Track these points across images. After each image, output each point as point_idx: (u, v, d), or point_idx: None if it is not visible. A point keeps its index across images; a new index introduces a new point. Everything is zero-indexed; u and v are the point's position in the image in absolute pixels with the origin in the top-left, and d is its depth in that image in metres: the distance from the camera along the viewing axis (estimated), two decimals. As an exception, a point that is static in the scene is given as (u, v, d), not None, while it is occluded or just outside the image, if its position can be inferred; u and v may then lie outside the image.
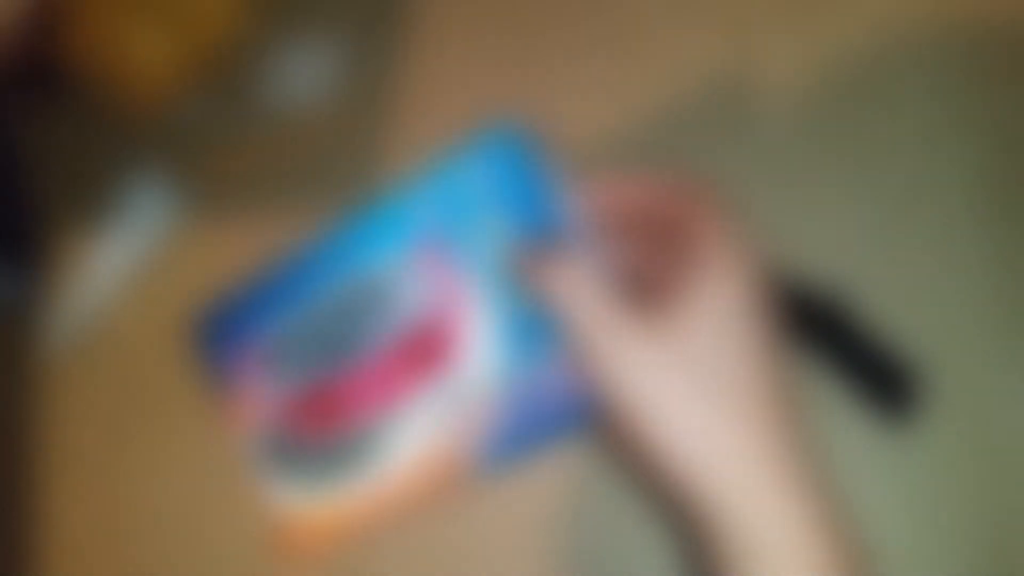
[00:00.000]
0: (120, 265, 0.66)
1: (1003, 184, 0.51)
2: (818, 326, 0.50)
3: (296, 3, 0.74)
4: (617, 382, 0.30)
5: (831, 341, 0.50)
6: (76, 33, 0.75)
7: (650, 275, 0.34)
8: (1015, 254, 0.50)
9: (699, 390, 0.29)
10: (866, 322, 0.50)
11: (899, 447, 0.48)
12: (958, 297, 0.50)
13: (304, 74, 0.69)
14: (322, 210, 0.65)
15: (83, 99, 0.77)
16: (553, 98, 0.57)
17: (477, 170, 0.35)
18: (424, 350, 0.36)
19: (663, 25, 0.57)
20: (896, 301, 0.50)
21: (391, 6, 0.67)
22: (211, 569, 0.57)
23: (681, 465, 0.29)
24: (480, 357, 0.35)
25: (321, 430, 0.39)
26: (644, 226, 0.35)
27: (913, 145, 0.54)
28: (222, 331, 0.43)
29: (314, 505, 0.40)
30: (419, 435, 0.37)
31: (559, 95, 0.57)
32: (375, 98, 0.67)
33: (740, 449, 0.29)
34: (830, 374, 0.50)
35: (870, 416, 0.49)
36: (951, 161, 0.53)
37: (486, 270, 0.36)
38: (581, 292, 0.32)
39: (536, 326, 0.35)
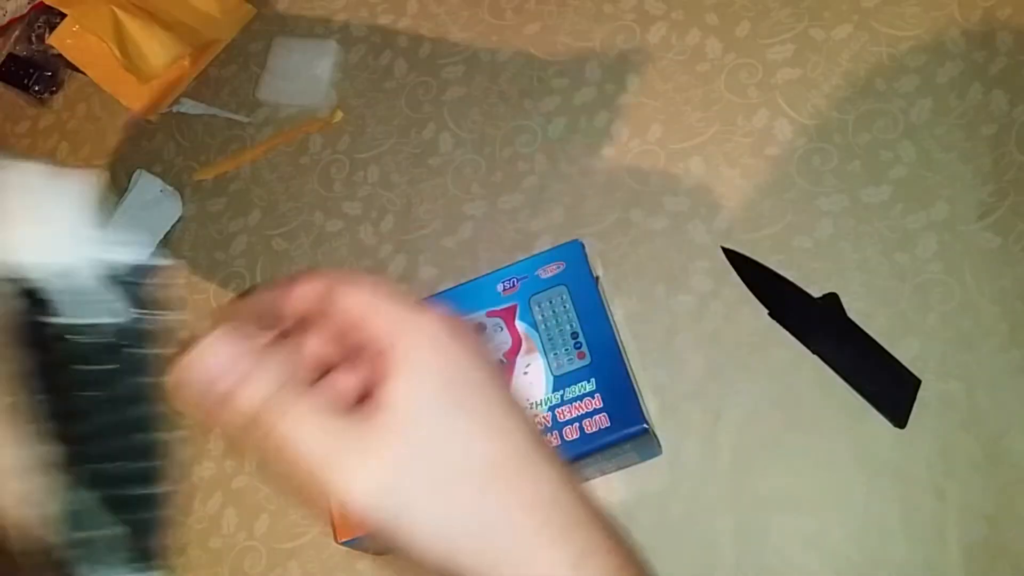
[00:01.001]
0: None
1: (1006, 185, 0.52)
2: (823, 328, 0.51)
3: (297, 6, 0.74)
4: None
5: (836, 343, 0.50)
6: (80, 32, 0.75)
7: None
8: (1016, 256, 0.50)
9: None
10: (871, 326, 0.50)
11: (901, 446, 0.48)
12: (960, 300, 0.50)
13: (305, 77, 0.69)
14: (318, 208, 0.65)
15: (88, 97, 0.77)
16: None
17: (548, 264, 0.51)
18: None
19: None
20: (899, 303, 0.51)
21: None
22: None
23: None
24: (528, 390, 0.49)
25: None
26: None
27: (916, 145, 0.54)
28: None
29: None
30: None
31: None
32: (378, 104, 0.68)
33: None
34: (835, 374, 0.50)
35: (874, 415, 0.49)
36: (954, 162, 0.53)
37: (540, 333, 0.50)
38: None
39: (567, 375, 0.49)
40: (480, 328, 0.30)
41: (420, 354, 0.28)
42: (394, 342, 0.28)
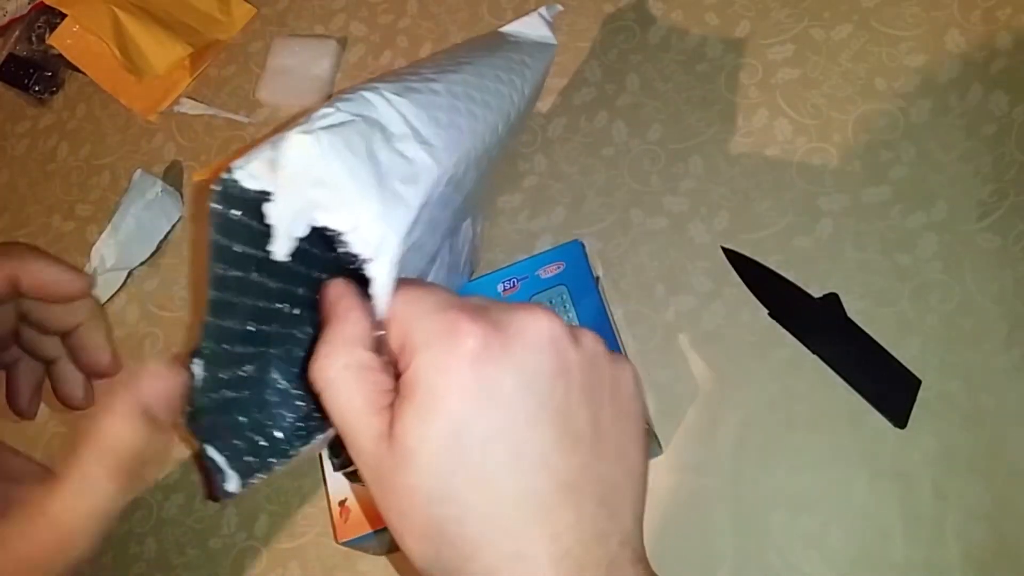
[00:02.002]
0: (123, 262, 0.66)
1: (1006, 185, 0.52)
2: (823, 328, 0.51)
3: (297, 6, 0.74)
4: None
5: (836, 343, 0.50)
6: (80, 32, 0.75)
7: None
8: (1016, 256, 0.50)
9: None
10: (871, 326, 0.50)
11: (901, 446, 0.48)
12: (960, 302, 0.50)
13: (305, 77, 0.69)
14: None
15: (88, 97, 0.77)
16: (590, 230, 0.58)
17: (548, 264, 0.51)
18: None
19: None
20: (899, 303, 0.51)
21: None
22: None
23: None
24: None
25: None
26: None
27: (916, 145, 0.54)
28: None
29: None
30: None
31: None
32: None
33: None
34: (835, 374, 0.50)
35: (874, 415, 0.49)
36: (954, 162, 0.53)
37: None
38: None
39: None
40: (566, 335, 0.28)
41: (425, 392, 0.26)
42: (409, 362, 0.26)
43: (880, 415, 0.49)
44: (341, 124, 0.29)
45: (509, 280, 0.52)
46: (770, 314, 0.52)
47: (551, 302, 0.50)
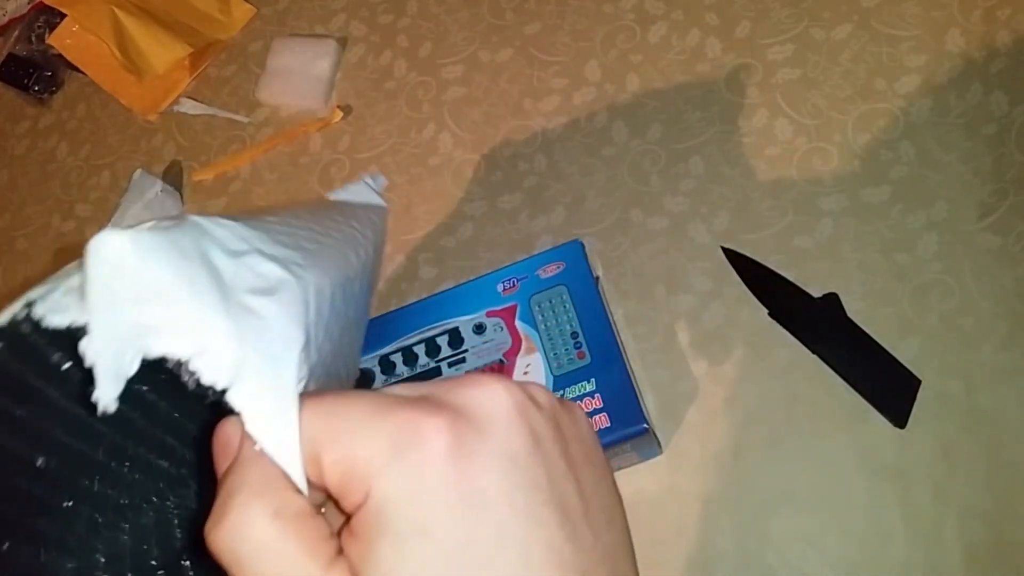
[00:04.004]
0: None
1: (1006, 185, 0.52)
2: (823, 328, 0.51)
3: (297, 6, 0.74)
4: None
5: (836, 343, 0.50)
6: (80, 32, 0.75)
7: None
8: (1016, 256, 0.50)
9: None
10: (871, 326, 0.50)
11: (901, 446, 0.48)
12: (959, 303, 0.50)
13: (305, 77, 0.69)
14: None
15: (88, 97, 0.77)
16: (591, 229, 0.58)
17: (548, 264, 0.52)
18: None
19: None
20: (899, 303, 0.51)
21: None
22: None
23: None
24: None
25: None
26: None
27: (916, 145, 0.54)
28: None
29: None
30: None
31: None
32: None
33: None
34: (835, 374, 0.50)
35: (874, 415, 0.49)
36: (954, 162, 0.53)
37: (540, 333, 0.50)
38: None
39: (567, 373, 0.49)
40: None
41: (403, 522, 0.20)
42: (367, 491, 0.20)
43: (880, 415, 0.49)
44: (165, 228, 0.22)
45: (509, 280, 0.52)
46: (770, 314, 0.52)
47: (551, 302, 0.50)
